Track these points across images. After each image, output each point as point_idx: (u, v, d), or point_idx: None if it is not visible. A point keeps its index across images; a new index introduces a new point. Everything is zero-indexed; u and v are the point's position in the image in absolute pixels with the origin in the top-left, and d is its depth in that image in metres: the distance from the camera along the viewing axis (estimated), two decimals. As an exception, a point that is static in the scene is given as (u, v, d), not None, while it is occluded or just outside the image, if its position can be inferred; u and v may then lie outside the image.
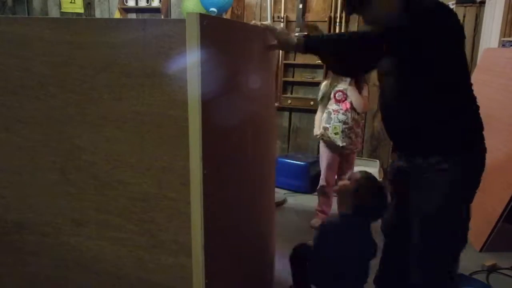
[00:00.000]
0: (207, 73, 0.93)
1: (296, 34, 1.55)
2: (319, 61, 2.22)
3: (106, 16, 4.52)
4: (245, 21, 3.91)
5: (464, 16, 3.32)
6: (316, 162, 3.06)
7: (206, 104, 0.94)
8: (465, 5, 3.31)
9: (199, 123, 0.93)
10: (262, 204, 1.67)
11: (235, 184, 1.25)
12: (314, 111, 2.89)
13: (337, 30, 3.86)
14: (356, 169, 2.50)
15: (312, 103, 3.76)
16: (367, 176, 1.62)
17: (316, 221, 2.71)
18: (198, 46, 0.89)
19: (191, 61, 0.91)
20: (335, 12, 3.72)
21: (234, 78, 1.18)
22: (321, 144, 2.74)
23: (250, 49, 1.34)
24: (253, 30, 1.40)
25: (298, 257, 1.77)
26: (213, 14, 3.62)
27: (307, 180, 3.42)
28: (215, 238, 1.05)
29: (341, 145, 2.61)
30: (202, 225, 0.98)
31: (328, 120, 2.64)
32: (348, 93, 2.58)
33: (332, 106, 2.64)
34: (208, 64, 0.93)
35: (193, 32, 0.89)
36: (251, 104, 1.39)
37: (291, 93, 4.08)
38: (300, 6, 3.83)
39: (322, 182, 2.73)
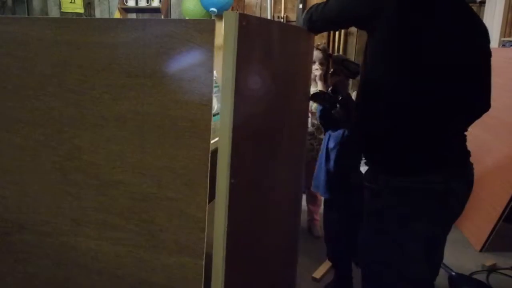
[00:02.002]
0: (241, 76, 0.92)
1: None
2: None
3: (106, 16, 4.52)
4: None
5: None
6: (315, 161, 3.04)
7: (239, 110, 0.93)
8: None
9: (229, 128, 0.92)
10: (288, 209, 1.63)
11: (263, 193, 1.23)
12: (314, 111, 2.89)
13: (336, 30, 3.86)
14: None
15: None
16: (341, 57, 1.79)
17: (318, 230, 2.70)
18: (235, 47, 0.88)
19: (226, 63, 0.89)
20: (335, 12, 3.72)
21: (270, 80, 1.17)
22: None
23: (287, 49, 1.32)
24: (291, 30, 1.39)
25: None
26: (213, 14, 3.62)
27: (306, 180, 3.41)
28: (236, 250, 1.05)
29: None
30: (224, 237, 0.97)
31: None
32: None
33: None
34: (244, 66, 0.92)
35: (230, 32, 0.87)
36: (286, 107, 1.37)
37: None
38: (300, 6, 3.83)
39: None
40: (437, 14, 1.16)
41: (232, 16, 0.87)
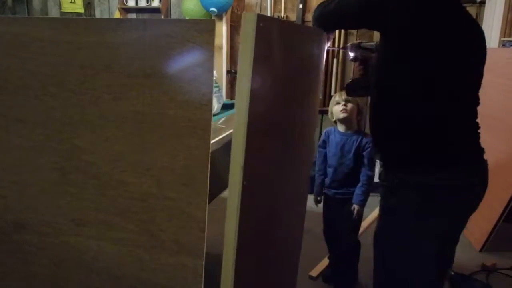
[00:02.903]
0: (258, 76, 0.92)
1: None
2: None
3: (106, 16, 4.51)
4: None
5: (464, 16, 3.32)
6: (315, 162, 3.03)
7: (254, 109, 0.93)
8: (465, 5, 3.31)
9: (244, 130, 0.92)
10: (295, 211, 1.64)
11: (273, 194, 1.24)
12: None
13: (337, 30, 3.86)
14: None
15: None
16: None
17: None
18: (252, 49, 0.88)
19: (243, 65, 0.90)
20: (335, 12, 3.72)
21: (283, 81, 1.16)
22: None
23: (302, 52, 1.32)
24: (306, 31, 1.39)
25: None
26: (213, 14, 3.62)
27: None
28: (246, 253, 1.05)
29: None
30: (235, 238, 0.96)
31: None
32: None
33: None
34: (260, 68, 0.93)
35: (248, 33, 0.88)
36: (298, 108, 1.38)
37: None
38: (300, 6, 3.83)
39: None
40: (447, 16, 1.19)
41: (251, 17, 0.88)
